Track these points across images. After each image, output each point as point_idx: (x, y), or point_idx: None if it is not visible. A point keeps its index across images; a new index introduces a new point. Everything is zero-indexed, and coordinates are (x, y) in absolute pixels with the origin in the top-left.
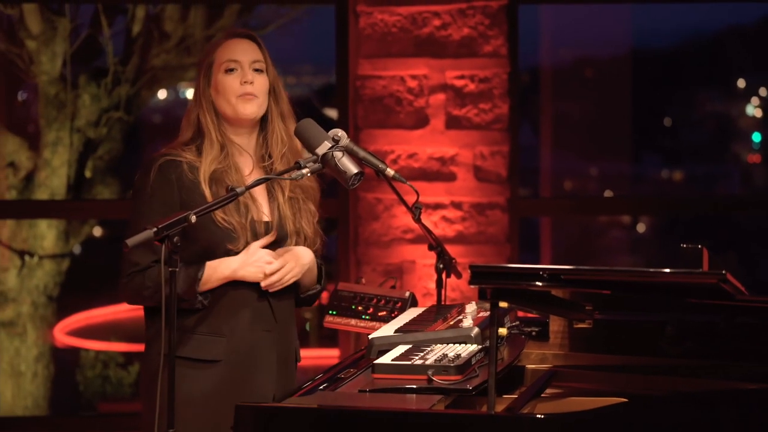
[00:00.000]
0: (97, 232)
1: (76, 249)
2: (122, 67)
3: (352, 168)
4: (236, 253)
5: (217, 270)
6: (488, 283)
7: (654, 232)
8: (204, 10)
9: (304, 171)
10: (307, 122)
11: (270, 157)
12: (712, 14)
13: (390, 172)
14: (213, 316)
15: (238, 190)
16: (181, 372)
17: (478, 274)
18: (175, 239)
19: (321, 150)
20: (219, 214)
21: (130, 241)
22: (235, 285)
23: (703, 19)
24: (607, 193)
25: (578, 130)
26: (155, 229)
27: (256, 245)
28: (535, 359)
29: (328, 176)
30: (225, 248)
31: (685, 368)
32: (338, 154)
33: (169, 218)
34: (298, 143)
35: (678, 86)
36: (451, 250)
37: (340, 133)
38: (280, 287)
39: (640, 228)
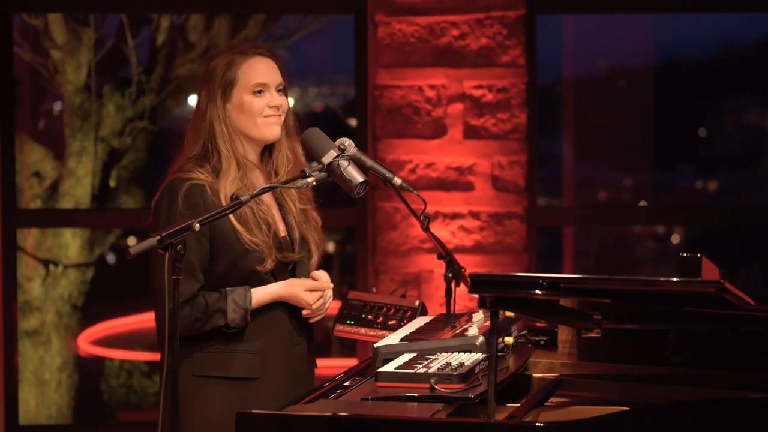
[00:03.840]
0: (132, 241)
1: (111, 259)
2: (147, 77)
3: (358, 177)
4: (264, 273)
5: (264, 301)
6: (488, 291)
7: (688, 242)
8: (228, 20)
9: (310, 180)
10: (313, 131)
11: (276, 174)
12: (748, 24)
13: (397, 180)
14: (245, 334)
15: (243, 198)
16: (219, 392)
17: (478, 283)
18: (179, 247)
19: (327, 159)
20: (245, 235)
21: (134, 249)
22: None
23: (738, 28)
24: (642, 204)
25: (613, 141)
26: (158, 237)
27: (300, 281)
28: (543, 368)
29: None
30: (253, 269)
31: (689, 377)
32: (344, 163)
33: (173, 226)
34: (303, 158)
35: (713, 96)
36: (469, 259)
37: (347, 142)
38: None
39: (675, 239)
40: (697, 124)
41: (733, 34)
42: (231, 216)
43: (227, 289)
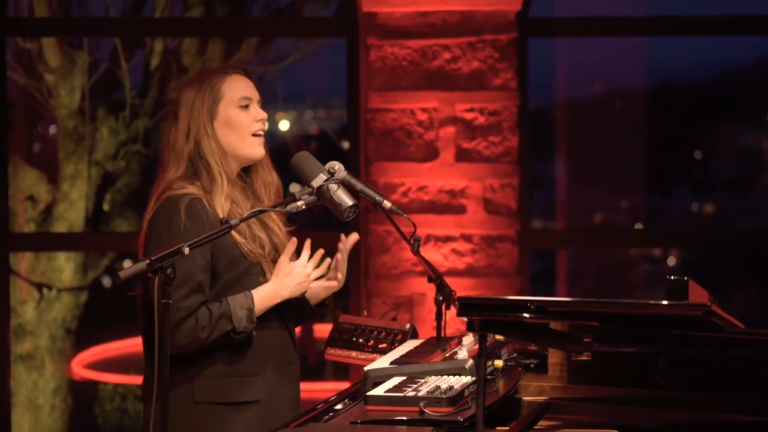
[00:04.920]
0: (127, 264)
1: (105, 282)
2: (140, 101)
3: (347, 200)
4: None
5: (264, 301)
6: (476, 314)
7: (684, 265)
8: (222, 44)
9: (299, 203)
10: (302, 155)
11: (256, 194)
12: (743, 47)
13: (387, 204)
14: (242, 357)
15: (232, 222)
16: (221, 417)
17: (466, 306)
18: (168, 271)
19: (316, 182)
20: (247, 246)
21: (123, 273)
22: (260, 322)
23: (733, 52)
24: (638, 226)
25: (608, 163)
26: (148, 261)
27: (283, 262)
28: (533, 391)
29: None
30: (259, 283)
31: (679, 400)
32: (333, 186)
33: (162, 250)
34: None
35: (709, 119)
36: (461, 282)
37: (336, 165)
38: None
39: (671, 261)
40: (693, 147)
41: (728, 57)
42: (235, 234)
43: (227, 297)
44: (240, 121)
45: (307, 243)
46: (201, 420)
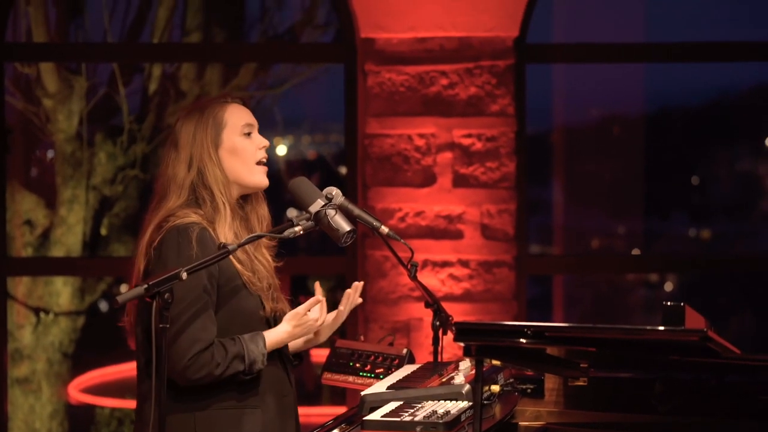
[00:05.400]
0: (124, 289)
1: (102, 307)
2: (138, 126)
3: (345, 226)
4: (266, 317)
5: (275, 345)
6: (472, 339)
7: (681, 290)
8: (220, 69)
9: (297, 229)
10: (300, 180)
11: (249, 226)
12: (740, 73)
13: (384, 229)
14: (244, 389)
15: (230, 247)
16: None
17: (463, 331)
18: (166, 296)
19: (314, 208)
20: (249, 277)
21: (121, 298)
22: None
23: (731, 78)
24: (635, 252)
25: (605, 189)
26: (146, 286)
27: (300, 313)
28: (530, 416)
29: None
30: (259, 316)
31: (675, 425)
32: (331, 212)
33: (160, 275)
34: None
35: (706, 144)
36: (458, 307)
37: (334, 191)
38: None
39: (668, 286)
40: (690, 172)
41: (725, 82)
42: (233, 260)
43: (240, 336)
44: (245, 148)
45: (318, 289)
46: None
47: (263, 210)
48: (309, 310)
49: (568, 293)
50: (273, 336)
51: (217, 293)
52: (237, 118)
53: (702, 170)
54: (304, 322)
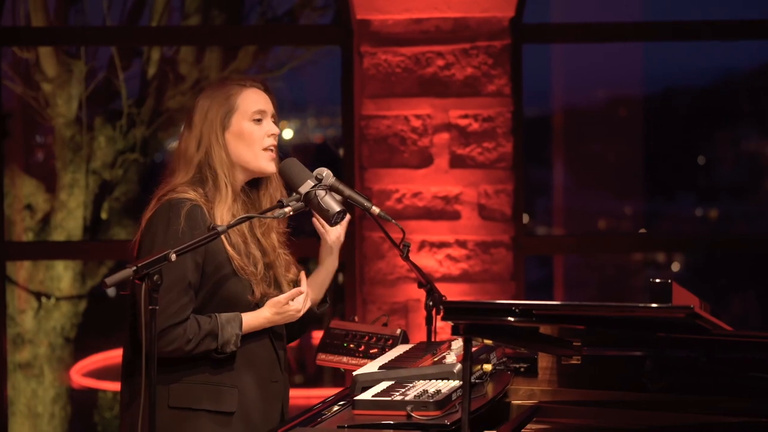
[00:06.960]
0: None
1: (111, 291)
2: (137, 109)
3: (335, 206)
4: (254, 302)
5: (252, 329)
6: (461, 318)
7: (688, 270)
8: (219, 53)
9: (287, 210)
10: (290, 161)
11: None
12: (745, 52)
13: (375, 210)
14: (226, 368)
15: (219, 228)
16: (193, 424)
17: (451, 310)
18: (155, 278)
19: (304, 189)
20: (237, 261)
21: (110, 280)
22: (247, 338)
23: (736, 57)
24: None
25: (610, 170)
26: (135, 268)
27: (281, 302)
28: (523, 395)
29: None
30: (246, 300)
31: (667, 403)
32: (321, 192)
33: (149, 257)
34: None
35: (712, 124)
36: (456, 288)
37: (324, 172)
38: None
39: (675, 267)
40: (696, 152)
41: (730, 62)
42: (225, 242)
43: (217, 314)
44: (252, 134)
45: (303, 280)
46: (173, 425)
47: (278, 194)
48: (292, 300)
49: (572, 276)
50: (251, 319)
51: (202, 274)
52: (250, 103)
53: (708, 150)
54: (285, 311)
